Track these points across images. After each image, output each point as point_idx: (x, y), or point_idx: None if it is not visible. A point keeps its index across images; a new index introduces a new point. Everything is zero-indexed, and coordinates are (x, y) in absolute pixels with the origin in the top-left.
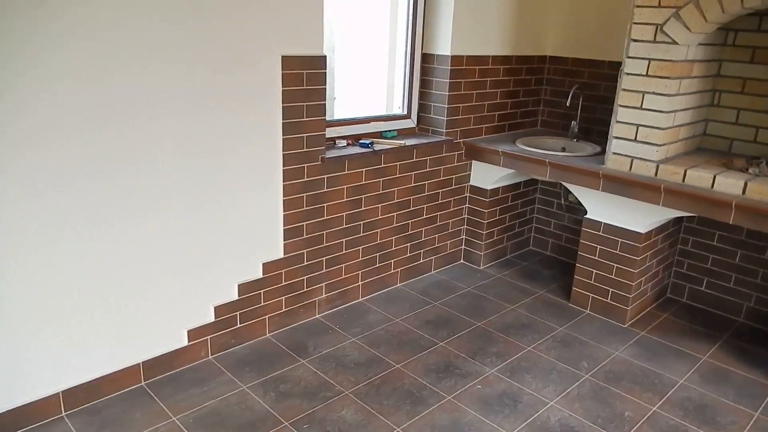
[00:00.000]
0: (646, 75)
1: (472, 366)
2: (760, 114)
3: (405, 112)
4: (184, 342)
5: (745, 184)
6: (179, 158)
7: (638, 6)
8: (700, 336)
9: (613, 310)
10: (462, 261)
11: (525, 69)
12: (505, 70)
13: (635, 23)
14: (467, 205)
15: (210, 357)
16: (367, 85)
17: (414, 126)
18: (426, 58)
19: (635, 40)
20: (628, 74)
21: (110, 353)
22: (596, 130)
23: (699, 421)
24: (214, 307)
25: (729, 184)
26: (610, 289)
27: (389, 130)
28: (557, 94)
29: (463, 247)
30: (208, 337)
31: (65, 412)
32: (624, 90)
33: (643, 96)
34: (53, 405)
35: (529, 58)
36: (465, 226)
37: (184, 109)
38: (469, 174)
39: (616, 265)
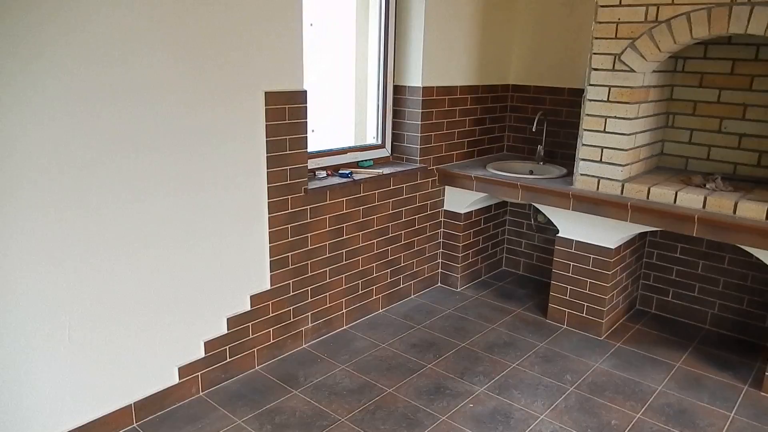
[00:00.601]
0: (608, 101)
1: (461, 386)
2: (711, 133)
3: (379, 142)
4: (175, 379)
5: (705, 199)
6: (167, 195)
7: (597, 38)
8: (671, 344)
9: (589, 324)
10: (439, 284)
11: (490, 97)
12: (473, 99)
13: (595, 53)
14: (442, 229)
15: (201, 393)
16: (340, 117)
17: (388, 155)
18: (398, 89)
19: (596, 69)
20: (590, 100)
21: (102, 395)
22: (560, 153)
23: (680, 425)
24: (204, 342)
25: (690, 199)
26: (585, 304)
27: (365, 160)
28: (521, 120)
29: (440, 270)
30: (199, 373)
31: None
32: (588, 115)
33: (606, 120)
34: None
35: (493, 87)
36: (441, 250)
37: (171, 147)
38: (443, 199)
39: (589, 280)
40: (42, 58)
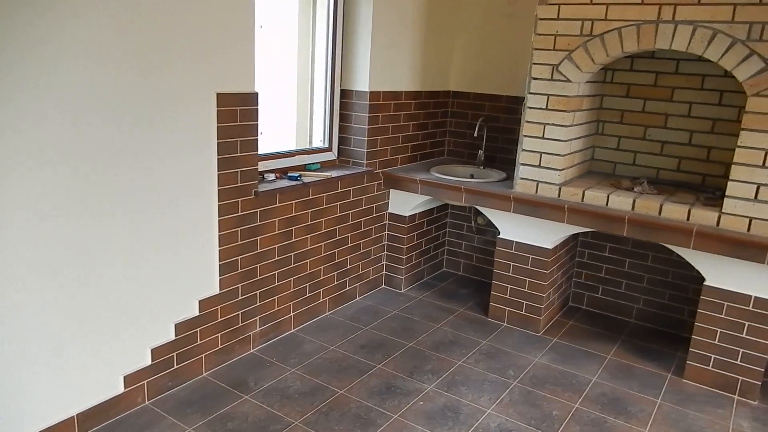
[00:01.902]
0: (546, 108)
1: (411, 384)
2: (637, 140)
3: (326, 145)
4: (121, 388)
5: (634, 201)
6: (115, 198)
7: (536, 49)
8: (603, 337)
9: (528, 321)
10: (384, 286)
11: (433, 103)
12: (416, 104)
13: (535, 63)
14: (387, 231)
15: (147, 402)
16: (283, 119)
17: (335, 158)
18: (345, 93)
19: (535, 78)
20: (530, 108)
21: (43, 407)
22: (499, 158)
23: (615, 413)
24: (151, 350)
25: (620, 201)
26: (524, 302)
27: (313, 163)
28: (461, 126)
29: (384, 272)
30: (145, 381)
31: None
32: (528, 122)
33: (545, 127)
34: None
35: (435, 93)
36: (385, 252)
37: (120, 149)
38: (388, 202)
39: (528, 279)
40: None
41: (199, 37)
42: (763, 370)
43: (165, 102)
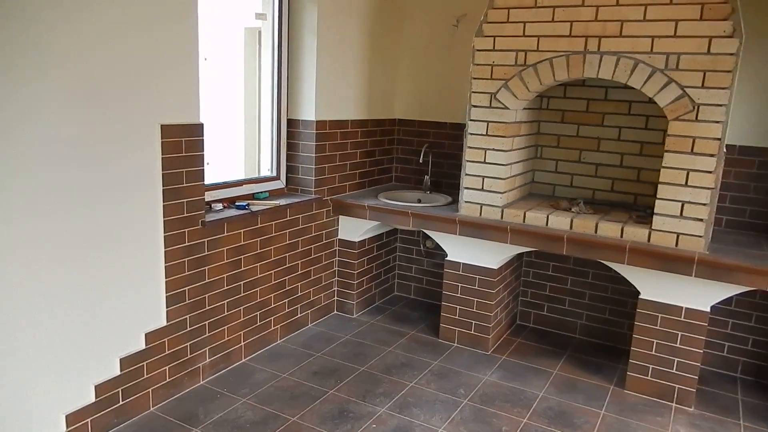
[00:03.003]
0: (486, 134)
1: (364, 408)
2: (573, 163)
3: (274, 174)
4: (62, 428)
5: (571, 221)
6: (57, 229)
7: (475, 78)
8: (549, 354)
9: (477, 341)
10: (336, 312)
11: (379, 131)
12: (363, 132)
13: (474, 92)
14: (337, 258)
15: None
16: (230, 149)
17: (283, 186)
18: (291, 123)
19: (475, 106)
20: (471, 134)
21: None
22: (444, 182)
23: (561, 425)
24: (95, 386)
25: (559, 221)
26: (473, 321)
27: (261, 192)
28: (408, 152)
29: (335, 298)
30: (89, 419)
31: None
32: (470, 147)
33: (486, 152)
34: None
35: (381, 121)
36: (336, 278)
37: (60, 179)
38: (337, 228)
39: (476, 299)
40: None
41: (142, 70)
42: (696, 377)
43: (108, 134)
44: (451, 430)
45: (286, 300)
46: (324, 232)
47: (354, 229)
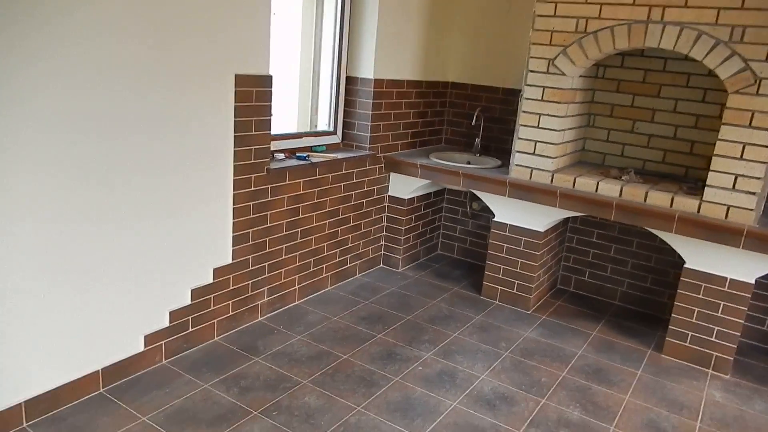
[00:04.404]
0: (542, 100)
1: (410, 352)
2: (625, 133)
3: (331, 129)
4: (141, 347)
5: (621, 189)
6: (140, 171)
7: (534, 44)
8: (588, 317)
9: (518, 300)
10: (382, 265)
11: (432, 93)
12: (417, 93)
13: (532, 57)
14: (386, 213)
15: (164, 361)
16: (289, 103)
17: (339, 141)
18: (350, 80)
19: (532, 71)
20: (527, 99)
21: (70, 361)
22: (494, 146)
23: (598, 381)
24: (169, 312)
25: (609, 188)
26: (516, 281)
27: (318, 145)
28: (459, 115)
29: (382, 252)
30: (163, 342)
31: (27, 422)
32: (524, 112)
33: (540, 117)
34: (15, 416)
35: (435, 83)
36: (384, 233)
37: (144, 126)
38: (388, 185)
39: (520, 260)
40: (15, 47)
41: (219, 21)
42: (735, 346)
43: (187, 82)
44: (493, 377)
45: (338, 250)
46: (376, 187)
47: (404, 187)
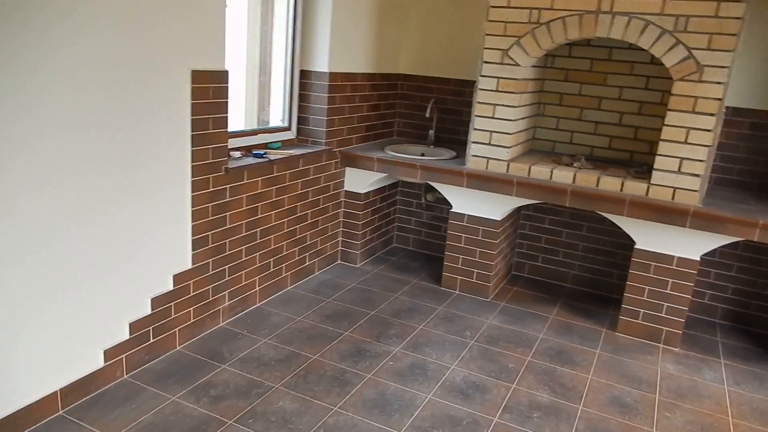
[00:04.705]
0: (496, 90)
1: (379, 347)
2: (574, 121)
3: (286, 125)
4: (101, 363)
5: (574, 176)
6: (93, 174)
7: (488, 34)
8: (544, 301)
9: (478, 288)
10: (340, 261)
11: (385, 85)
12: (370, 86)
13: (486, 48)
14: (342, 209)
15: (126, 376)
16: (239, 99)
17: (294, 137)
18: (304, 74)
19: (486, 62)
20: (481, 90)
21: (25, 383)
22: (446, 138)
23: (562, 362)
24: (129, 324)
25: (563, 176)
26: (475, 270)
27: (274, 142)
28: (410, 107)
29: (340, 248)
30: (124, 355)
31: None
32: (479, 103)
33: (495, 107)
34: None
35: (387, 75)
36: (341, 229)
37: (97, 124)
38: (344, 180)
39: (479, 249)
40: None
41: (174, 13)
42: (683, 321)
43: (141, 78)
44: (463, 366)
45: (296, 248)
46: (332, 183)
47: (360, 181)
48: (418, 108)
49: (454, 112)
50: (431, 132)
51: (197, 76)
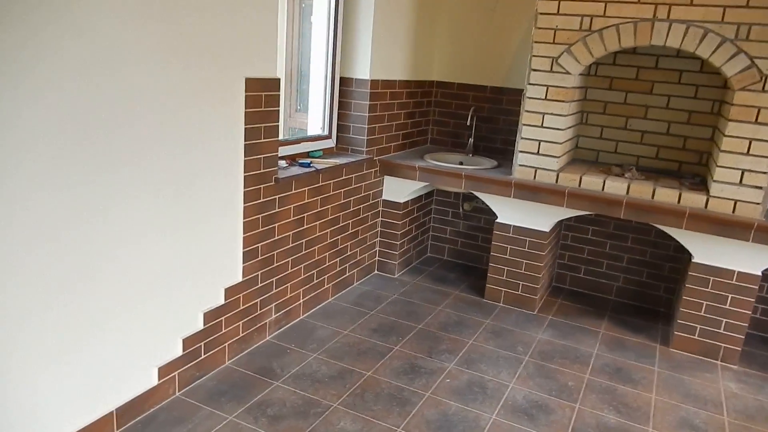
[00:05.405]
0: (545, 99)
1: (432, 363)
2: (618, 130)
3: (326, 133)
4: (155, 381)
5: (628, 186)
6: (148, 192)
7: (537, 42)
8: (590, 314)
9: (524, 301)
10: (377, 271)
11: (420, 92)
12: (407, 93)
13: (534, 56)
14: (381, 218)
15: (178, 393)
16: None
17: (333, 146)
18: (344, 81)
19: (535, 70)
20: (530, 98)
21: (81, 404)
22: (482, 146)
23: (622, 380)
24: (182, 340)
25: (615, 186)
26: (521, 283)
27: (315, 150)
28: (444, 115)
29: (377, 258)
30: (176, 372)
31: None
32: (527, 111)
33: (543, 116)
34: None
35: (422, 82)
36: (379, 239)
37: (154, 138)
38: (382, 189)
39: (525, 261)
40: (36, 64)
41: (230, 20)
42: (743, 337)
43: (197, 87)
44: (521, 384)
45: (338, 259)
46: (371, 192)
47: (400, 190)
48: (452, 115)
49: (490, 120)
50: (471, 140)
51: (251, 84)
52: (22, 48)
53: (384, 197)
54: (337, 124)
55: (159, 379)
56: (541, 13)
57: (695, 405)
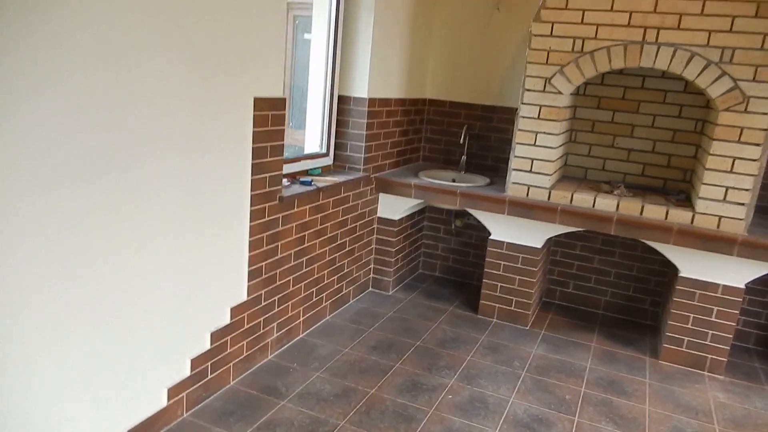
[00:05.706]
0: (538, 118)
1: (433, 380)
2: (606, 148)
3: (324, 151)
4: (164, 402)
5: (618, 203)
6: (156, 210)
7: (530, 62)
8: (581, 328)
9: (516, 316)
10: (371, 288)
11: (414, 110)
12: (402, 111)
13: (528, 76)
14: (375, 235)
15: (186, 414)
16: None
17: (330, 163)
18: (342, 99)
19: (528, 90)
20: (523, 117)
21: (95, 426)
22: (474, 163)
23: (616, 393)
24: (191, 360)
25: (606, 203)
26: (514, 298)
27: (314, 168)
28: (436, 132)
29: (372, 275)
30: (185, 393)
31: None
32: (520, 130)
33: (536, 135)
34: None
35: (416, 100)
36: (374, 256)
37: (159, 155)
38: (377, 206)
39: (518, 277)
40: (37, 65)
41: (240, 41)
42: (728, 348)
43: (207, 106)
44: (521, 399)
45: (335, 276)
46: (367, 209)
47: (394, 207)
48: (444, 133)
49: (481, 137)
50: (463, 158)
51: (259, 103)
52: (29, 37)
53: (379, 214)
54: (335, 141)
55: (168, 400)
56: (535, 35)
57: (687, 415)
